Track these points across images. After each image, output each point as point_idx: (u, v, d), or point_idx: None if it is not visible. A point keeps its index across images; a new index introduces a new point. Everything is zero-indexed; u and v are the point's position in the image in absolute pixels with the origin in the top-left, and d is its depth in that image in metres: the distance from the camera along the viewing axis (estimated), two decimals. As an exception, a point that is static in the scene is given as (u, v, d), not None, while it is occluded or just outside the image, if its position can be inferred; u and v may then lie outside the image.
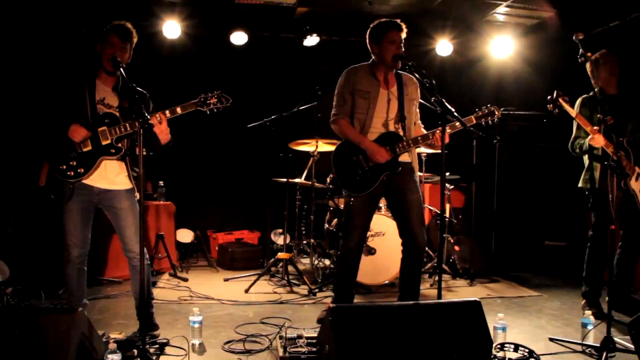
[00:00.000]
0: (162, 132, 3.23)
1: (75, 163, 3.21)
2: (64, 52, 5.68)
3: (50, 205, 4.12)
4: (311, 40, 6.24)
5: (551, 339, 3.61)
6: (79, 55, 2.85)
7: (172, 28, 5.82)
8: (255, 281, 4.97)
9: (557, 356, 3.34)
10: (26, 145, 4.53)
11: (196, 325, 3.39)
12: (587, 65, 3.99)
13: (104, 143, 3.22)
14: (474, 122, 3.63)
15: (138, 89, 3.32)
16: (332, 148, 4.17)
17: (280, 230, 6.45)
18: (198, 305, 4.08)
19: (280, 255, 5.14)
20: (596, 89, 4.05)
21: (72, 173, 3.21)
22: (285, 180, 5.41)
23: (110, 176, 3.32)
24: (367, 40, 3.79)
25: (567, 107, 3.65)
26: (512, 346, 3.27)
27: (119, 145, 3.27)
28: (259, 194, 6.69)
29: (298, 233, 5.93)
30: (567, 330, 3.88)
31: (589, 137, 3.75)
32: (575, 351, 3.41)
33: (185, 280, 5.22)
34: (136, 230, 3.32)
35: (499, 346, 3.26)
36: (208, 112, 3.32)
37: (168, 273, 5.48)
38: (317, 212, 5.71)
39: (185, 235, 6.33)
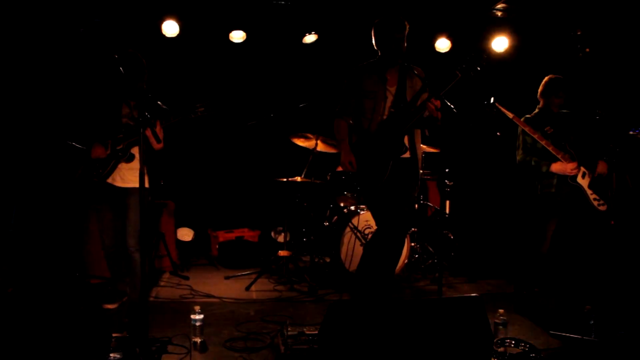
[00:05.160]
0: (150, 137, 3.70)
1: (97, 165, 3.87)
2: (62, 51, 5.69)
3: (50, 205, 4.84)
4: (310, 38, 6.23)
5: (552, 334, 3.63)
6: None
7: (170, 26, 5.82)
8: (256, 279, 4.97)
9: (557, 350, 3.34)
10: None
11: (197, 324, 3.40)
12: (540, 87, 4.37)
13: (117, 148, 3.82)
14: (460, 76, 3.48)
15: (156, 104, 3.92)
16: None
17: (281, 228, 6.46)
18: (199, 303, 4.07)
19: (281, 252, 5.15)
20: (537, 109, 4.40)
21: (95, 173, 3.86)
22: (285, 177, 5.41)
23: (125, 176, 3.84)
24: (372, 36, 3.81)
25: (507, 113, 4.07)
26: (513, 341, 3.29)
27: (129, 150, 3.83)
28: (259, 192, 6.69)
29: (298, 231, 5.94)
30: (568, 324, 3.88)
31: (550, 164, 4.15)
32: (576, 345, 3.41)
33: (186, 278, 5.23)
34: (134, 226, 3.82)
35: (499, 341, 3.27)
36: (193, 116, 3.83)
37: (169, 272, 5.48)
38: (317, 210, 5.72)
39: (186, 234, 6.35)
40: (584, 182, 4.15)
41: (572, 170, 4.11)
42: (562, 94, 4.29)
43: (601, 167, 4.19)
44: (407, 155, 3.78)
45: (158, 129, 3.72)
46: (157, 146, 3.78)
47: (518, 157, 4.36)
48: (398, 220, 3.77)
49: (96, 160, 3.87)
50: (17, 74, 5.44)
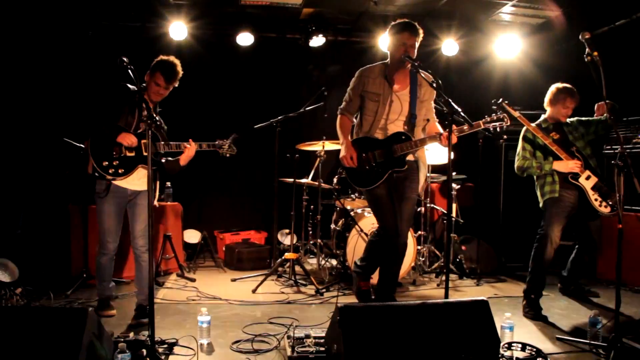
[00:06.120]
0: (189, 157, 3.86)
1: (117, 163, 3.66)
2: (71, 54, 5.74)
3: (57, 207, 4.77)
4: (317, 41, 6.25)
5: (558, 338, 3.61)
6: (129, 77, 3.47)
7: (178, 29, 5.86)
8: (262, 281, 4.98)
9: (564, 355, 3.33)
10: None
11: (204, 325, 3.41)
12: (548, 96, 4.36)
13: (145, 154, 3.63)
14: (482, 127, 3.69)
15: (158, 122, 3.82)
16: (338, 147, 4.26)
17: (287, 231, 6.47)
18: (206, 305, 4.10)
19: (287, 255, 5.16)
20: (543, 117, 4.43)
21: (112, 171, 3.65)
22: (292, 180, 5.42)
23: (141, 180, 3.76)
24: (387, 38, 3.88)
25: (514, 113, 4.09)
26: (520, 345, 3.28)
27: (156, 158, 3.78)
28: (266, 195, 6.71)
29: (305, 233, 5.95)
30: (574, 329, 3.88)
31: (552, 162, 4.18)
32: (583, 350, 3.40)
33: (193, 280, 5.24)
34: (146, 227, 3.77)
35: (506, 345, 3.26)
36: (227, 155, 4.14)
37: (175, 273, 5.50)
38: (324, 212, 5.73)
39: (193, 236, 6.36)
40: (587, 183, 4.15)
41: (574, 165, 4.12)
42: (570, 104, 4.26)
43: (599, 109, 4.38)
44: (410, 157, 3.86)
45: (193, 148, 3.84)
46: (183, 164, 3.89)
47: (517, 164, 4.34)
48: (392, 221, 3.86)
49: (112, 153, 3.63)
50: (21, 78, 5.49)
